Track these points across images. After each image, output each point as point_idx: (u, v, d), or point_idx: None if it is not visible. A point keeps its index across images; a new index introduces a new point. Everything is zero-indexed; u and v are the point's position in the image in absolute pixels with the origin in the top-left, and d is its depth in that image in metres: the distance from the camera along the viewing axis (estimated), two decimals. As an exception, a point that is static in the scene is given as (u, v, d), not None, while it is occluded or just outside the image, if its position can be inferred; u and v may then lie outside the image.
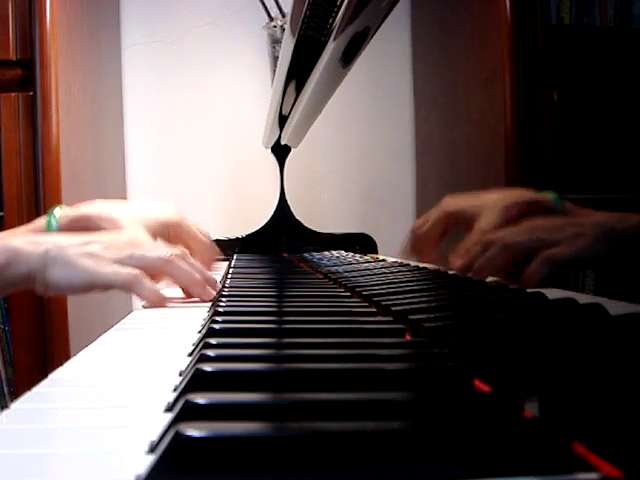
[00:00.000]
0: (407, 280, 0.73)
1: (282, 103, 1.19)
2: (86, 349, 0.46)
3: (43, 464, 0.25)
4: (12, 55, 1.32)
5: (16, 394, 1.33)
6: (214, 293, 0.70)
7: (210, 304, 0.66)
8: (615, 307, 0.47)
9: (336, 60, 0.83)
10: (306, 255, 1.40)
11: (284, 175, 1.55)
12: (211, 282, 0.72)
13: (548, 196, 0.79)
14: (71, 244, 0.67)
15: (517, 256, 0.68)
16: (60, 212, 0.78)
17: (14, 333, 1.32)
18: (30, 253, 0.66)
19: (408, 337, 0.45)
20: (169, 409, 0.31)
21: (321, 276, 0.89)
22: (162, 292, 0.69)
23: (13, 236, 0.70)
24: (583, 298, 0.54)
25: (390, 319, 0.50)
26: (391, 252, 0.96)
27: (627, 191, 1.34)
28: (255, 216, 1.61)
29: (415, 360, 0.36)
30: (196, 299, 0.71)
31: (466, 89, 1.52)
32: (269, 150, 1.56)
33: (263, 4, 1.73)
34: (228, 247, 1.47)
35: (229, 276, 0.83)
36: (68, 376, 0.39)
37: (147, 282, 0.66)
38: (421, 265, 0.92)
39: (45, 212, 0.79)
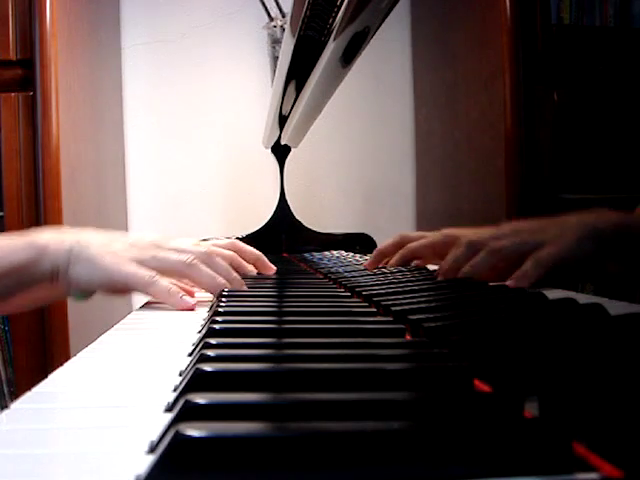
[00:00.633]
0: (407, 280, 0.73)
1: (282, 103, 1.19)
2: (86, 349, 0.46)
3: (43, 464, 0.25)
4: (12, 55, 1.32)
5: (16, 394, 1.33)
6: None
7: (210, 304, 0.66)
8: (615, 307, 0.47)
9: (336, 60, 0.83)
10: (306, 255, 1.40)
11: (284, 175, 1.55)
12: (236, 284, 0.71)
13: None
14: (95, 242, 0.67)
15: (503, 260, 0.68)
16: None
17: (14, 333, 1.32)
18: (56, 250, 0.66)
19: (408, 337, 0.45)
20: (169, 409, 0.31)
21: (321, 276, 0.89)
22: (181, 295, 0.67)
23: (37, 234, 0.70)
24: (583, 298, 0.54)
25: (390, 319, 0.50)
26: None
27: (627, 191, 1.34)
28: (255, 216, 1.61)
29: (415, 360, 0.36)
30: None
31: (466, 89, 1.52)
32: (269, 150, 1.56)
33: (263, 4, 1.73)
34: (228, 247, 1.47)
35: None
36: (68, 376, 0.39)
37: (163, 284, 0.66)
38: (421, 265, 0.92)
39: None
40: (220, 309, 0.53)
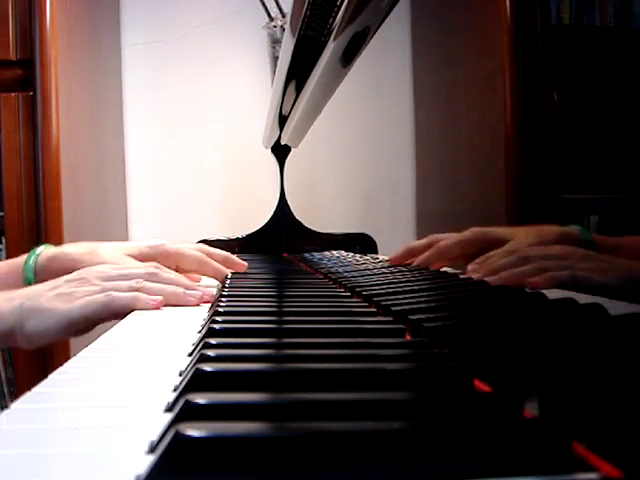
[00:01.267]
0: (407, 280, 0.73)
1: (282, 103, 1.19)
2: (86, 349, 0.46)
3: (43, 464, 0.25)
4: (12, 55, 1.32)
5: (16, 394, 1.33)
6: (198, 294, 0.70)
7: (210, 304, 0.66)
8: (615, 307, 0.47)
9: (336, 60, 0.83)
10: (306, 255, 1.40)
11: (284, 175, 1.55)
12: (189, 288, 0.71)
13: (573, 228, 0.82)
14: (41, 291, 0.67)
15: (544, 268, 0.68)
16: (43, 249, 0.79)
17: (14, 333, 1.32)
18: (5, 311, 0.65)
19: (408, 337, 0.45)
20: (169, 409, 0.31)
21: (321, 276, 0.89)
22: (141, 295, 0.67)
23: None
24: (583, 298, 0.54)
25: (390, 319, 0.50)
26: (391, 252, 0.96)
27: (627, 191, 1.34)
28: (255, 216, 1.61)
29: (415, 360, 0.36)
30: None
31: (466, 89, 1.52)
32: (269, 150, 1.56)
33: (263, 4, 1.73)
34: (228, 247, 1.47)
35: (229, 276, 0.83)
36: (68, 376, 0.39)
37: (122, 294, 0.66)
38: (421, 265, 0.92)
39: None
40: (220, 309, 0.53)
